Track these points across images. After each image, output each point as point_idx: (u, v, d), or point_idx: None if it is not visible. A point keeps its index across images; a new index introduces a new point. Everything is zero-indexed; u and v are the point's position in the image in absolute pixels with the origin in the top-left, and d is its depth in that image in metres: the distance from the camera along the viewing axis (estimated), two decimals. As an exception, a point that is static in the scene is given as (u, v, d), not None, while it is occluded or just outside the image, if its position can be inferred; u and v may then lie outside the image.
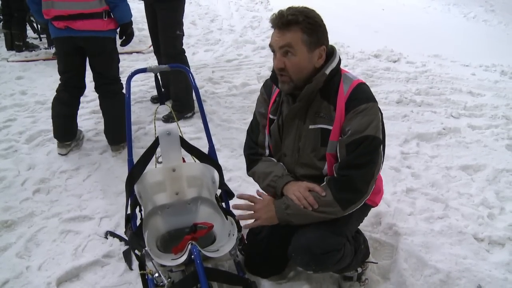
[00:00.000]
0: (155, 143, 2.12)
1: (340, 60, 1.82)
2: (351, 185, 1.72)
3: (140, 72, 2.39)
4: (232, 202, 2.10)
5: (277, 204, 1.81)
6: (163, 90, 3.94)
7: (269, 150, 2.04)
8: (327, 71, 1.74)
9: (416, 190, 2.93)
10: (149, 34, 4.09)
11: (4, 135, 3.67)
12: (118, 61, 3.39)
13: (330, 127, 1.77)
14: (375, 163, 1.72)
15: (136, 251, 1.98)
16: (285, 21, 1.65)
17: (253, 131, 2.06)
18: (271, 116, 1.97)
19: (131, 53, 5.95)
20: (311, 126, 1.81)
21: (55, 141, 3.41)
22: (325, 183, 1.77)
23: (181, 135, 2.18)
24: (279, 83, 1.79)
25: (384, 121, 3.79)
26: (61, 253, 2.41)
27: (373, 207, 2.05)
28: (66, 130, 3.38)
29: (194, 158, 2.25)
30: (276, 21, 1.67)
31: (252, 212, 1.87)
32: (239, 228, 1.98)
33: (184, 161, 2.24)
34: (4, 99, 4.39)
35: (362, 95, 1.74)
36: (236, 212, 2.08)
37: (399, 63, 5.84)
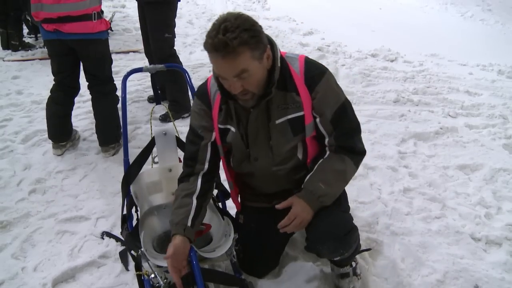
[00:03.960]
0: (151, 143, 2.11)
1: (277, 45, 1.73)
2: (357, 150, 1.82)
3: (136, 72, 2.38)
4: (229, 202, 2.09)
5: (308, 199, 1.77)
6: (159, 92, 3.95)
7: (209, 165, 1.88)
8: (279, 64, 1.68)
9: (413, 189, 2.93)
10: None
11: (0, 135, 3.65)
12: (111, 61, 3.37)
13: (301, 113, 1.74)
14: (357, 120, 1.83)
15: (132, 252, 1.97)
16: (231, 48, 1.45)
17: (192, 145, 1.89)
18: (221, 126, 1.84)
19: (127, 52, 5.93)
20: (277, 121, 1.76)
21: (51, 141, 3.39)
22: (334, 153, 1.81)
23: (177, 135, 2.17)
24: (240, 101, 1.69)
25: (381, 120, 3.94)
26: (57, 254, 2.40)
27: None
28: (60, 131, 3.37)
29: None
30: (221, 49, 1.46)
31: (295, 221, 1.76)
32: (235, 229, 1.96)
33: (180, 161, 2.22)
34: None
35: (315, 70, 1.74)
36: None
37: (396, 62, 5.84)
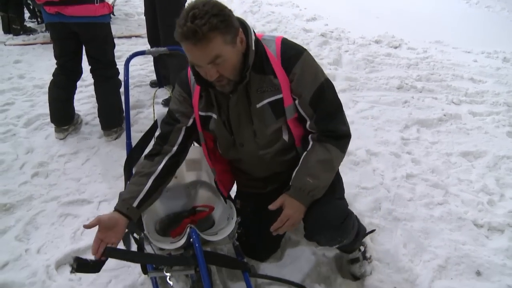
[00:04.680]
0: (154, 127, 2.10)
1: (251, 27, 1.69)
2: (340, 133, 1.74)
3: (138, 55, 2.36)
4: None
5: (299, 197, 1.71)
6: (163, 78, 3.93)
7: (178, 148, 1.85)
8: (253, 48, 1.63)
9: (416, 176, 2.92)
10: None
11: (2, 118, 3.65)
12: (113, 45, 3.35)
13: (279, 96, 1.70)
14: (339, 100, 1.76)
15: (135, 235, 1.97)
16: (201, 35, 1.42)
17: (166, 126, 1.87)
18: (202, 113, 1.82)
19: (130, 37, 5.90)
20: (258, 105, 1.72)
21: (54, 125, 3.39)
22: (317, 141, 1.74)
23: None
24: (218, 87, 1.65)
25: (385, 106, 3.92)
26: (59, 237, 2.41)
27: None
28: (63, 114, 3.36)
29: (194, 141, 2.23)
30: (191, 37, 1.42)
31: (288, 222, 1.72)
32: (238, 212, 1.96)
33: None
34: (1, 82, 4.36)
35: (292, 51, 1.69)
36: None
37: (400, 49, 5.79)
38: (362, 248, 2.12)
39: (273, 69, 1.67)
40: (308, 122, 1.75)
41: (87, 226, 1.68)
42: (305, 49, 1.72)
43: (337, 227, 1.76)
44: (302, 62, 1.67)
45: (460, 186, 2.84)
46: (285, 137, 1.82)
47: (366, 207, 2.56)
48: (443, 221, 2.50)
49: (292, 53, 1.68)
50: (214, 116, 1.80)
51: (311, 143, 1.76)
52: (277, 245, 2.20)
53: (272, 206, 1.73)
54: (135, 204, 1.74)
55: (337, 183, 1.92)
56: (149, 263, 1.83)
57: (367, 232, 2.13)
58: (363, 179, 2.82)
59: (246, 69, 1.61)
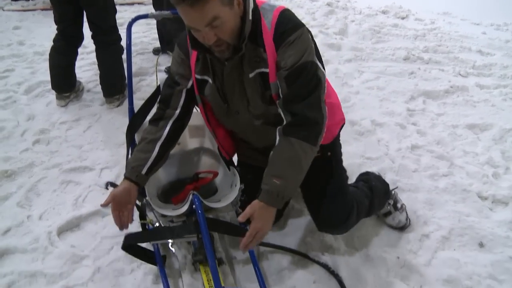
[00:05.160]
0: (157, 92, 2.05)
1: None
2: (306, 120, 1.59)
3: (141, 18, 2.30)
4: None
5: (268, 201, 1.58)
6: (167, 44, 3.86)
7: (181, 111, 1.83)
8: (250, 17, 1.56)
9: (421, 147, 2.89)
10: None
11: (3, 85, 3.62)
12: (115, 11, 3.27)
13: (266, 70, 1.62)
14: (318, 87, 1.60)
15: (137, 202, 1.96)
16: None
17: (167, 89, 1.84)
18: (198, 77, 1.77)
19: (132, 4, 5.80)
20: (250, 75, 1.65)
21: (55, 92, 3.35)
22: (282, 136, 1.62)
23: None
24: (216, 53, 1.60)
25: (391, 77, 3.86)
26: (61, 203, 2.41)
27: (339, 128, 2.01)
28: (64, 81, 3.32)
29: (197, 107, 2.19)
30: None
31: (258, 235, 1.62)
32: (245, 177, 1.93)
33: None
34: (1, 49, 4.30)
35: (287, 25, 1.58)
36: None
37: (407, 20, 5.68)
38: (391, 202, 2.19)
39: (264, 42, 1.59)
40: (280, 100, 1.64)
41: (104, 205, 1.71)
42: (303, 25, 1.61)
43: (340, 227, 1.90)
44: (294, 37, 1.56)
45: (466, 158, 2.81)
46: (277, 109, 1.71)
47: (370, 177, 2.53)
48: (448, 192, 2.48)
49: (288, 27, 1.58)
50: (210, 80, 1.75)
51: (277, 138, 1.64)
52: (280, 214, 2.18)
53: (240, 218, 1.61)
54: (143, 171, 1.75)
55: (333, 169, 1.93)
56: (161, 239, 1.81)
57: (391, 189, 2.24)
58: (367, 149, 2.79)
59: (242, 40, 1.55)
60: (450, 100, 3.58)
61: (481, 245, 2.14)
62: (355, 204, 1.92)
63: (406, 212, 2.24)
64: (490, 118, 3.29)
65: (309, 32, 1.65)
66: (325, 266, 1.95)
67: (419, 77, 3.95)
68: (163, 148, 1.79)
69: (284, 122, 1.64)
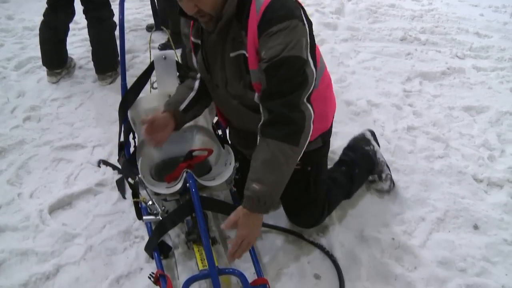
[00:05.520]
0: (150, 68, 2.01)
1: None
2: (283, 119, 1.46)
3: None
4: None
5: (251, 207, 1.49)
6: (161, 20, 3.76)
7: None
8: None
9: (417, 128, 2.87)
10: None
11: (-9, 61, 3.54)
12: None
13: (245, 53, 1.52)
14: (301, 85, 1.46)
15: (129, 179, 1.93)
16: None
17: (183, 54, 1.92)
18: (193, 40, 1.75)
19: (125, -20, 5.67)
20: (231, 54, 1.56)
21: (46, 68, 3.27)
22: (260, 136, 1.50)
23: (177, 60, 2.06)
24: (201, 23, 1.56)
25: (387, 58, 3.82)
26: (53, 181, 2.37)
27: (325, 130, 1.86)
28: (55, 57, 3.24)
29: None
30: None
31: (244, 244, 1.53)
32: (236, 157, 1.90)
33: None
34: (-11, 24, 4.20)
35: (274, 14, 1.43)
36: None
37: (404, 0, 5.60)
38: (375, 177, 2.27)
39: (248, 25, 1.48)
40: (256, 95, 1.56)
41: (144, 121, 1.73)
42: (295, 17, 1.44)
43: (310, 227, 2.00)
44: (279, 28, 1.42)
45: (461, 140, 2.79)
46: (253, 95, 1.61)
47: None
48: (443, 174, 2.47)
49: (276, 14, 1.43)
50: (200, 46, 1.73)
51: (258, 138, 1.53)
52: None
53: (224, 226, 1.56)
54: (181, 108, 1.81)
55: (314, 184, 1.88)
56: (167, 230, 1.76)
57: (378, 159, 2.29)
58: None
59: (223, 16, 1.49)
60: (446, 82, 3.55)
61: (475, 227, 2.14)
62: (326, 206, 1.97)
63: (391, 180, 2.29)
64: (486, 101, 3.27)
65: (306, 24, 1.49)
66: (320, 247, 1.94)
67: (415, 58, 3.91)
68: (198, 95, 1.86)
69: (262, 120, 1.52)
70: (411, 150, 2.65)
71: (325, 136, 1.86)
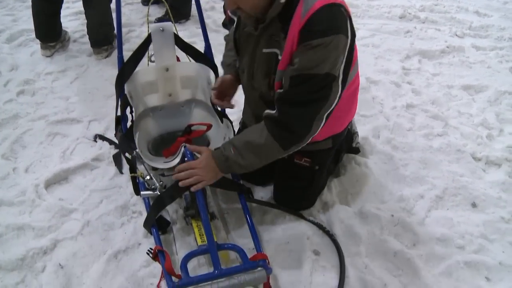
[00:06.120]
0: (148, 40, 1.95)
1: None
2: (288, 125, 1.51)
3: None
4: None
5: (217, 156, 1.61)
6: None
7: None
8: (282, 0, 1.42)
9: (416, 106, 2.86)
10: None
11: (-19, 33, 3.45)
12: None
13: (280, 56, 1.50)
14: (321, 101, 1.47)
15: (127, 154, 1.90)
16: None
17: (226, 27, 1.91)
18: (230, 14, 1.77)
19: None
20: (264, 50, 1.56)
21: (39, 41, 3.21)
22: (263, 120, 1.57)
23: (175, 32, 2.01)
24: (242, 18, 1.58)
25: (386, 35, 3.77)
26: (48, 156, 2.34)
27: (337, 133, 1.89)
28: (49, 30, 3.17)
29: (189, 57, 2.10)
30: None
31: (195, 176, 1.60)
32: (235, 132, 1.88)
33: (178, 60, 2.09)
34: (-24, -6, 4.09)
35: (320, 26, 1.37)
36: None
37: (404, -22, 5.53)
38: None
39: (289, 28, 1.43)
40: (278, 92, 1.55)
41: (214, 88, 1.85)
42: (339, 32, 1.38)
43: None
44: (319, 42, 1.36)
45: (460, 119, 2.78)
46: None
47: (365, 134, 2.51)
48: (442, 152, 2.46)
49: (319, 28, 1.37)
50: (234, 25, 1.72)
51: (265, 114, 1.58)
52: (273, 170, 2.14)
53: (190, 147, 1.69)
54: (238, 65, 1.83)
55: (318, 180, 1.98)
56: (166, 205, 1.74)
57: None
58: (362, 106, 2.74)
59: (269, 14, 1.46)
60: (445, 60, 3.52)
61: (473, 205, 2.14)
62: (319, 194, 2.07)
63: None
64: (485, 80, 3.25)
65: (349, 38, 1.43)
66: (319, 226, 1.93)
67: (415, 36, 3.87)
68: None
69: (270, 110, 1.55)
70: (410, 128, 2.64)
71: (336, 139, 1.90)
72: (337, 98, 1.49)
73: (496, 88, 3.11)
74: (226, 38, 1.95)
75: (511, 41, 3.92)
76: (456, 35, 4.00)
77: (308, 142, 1.56)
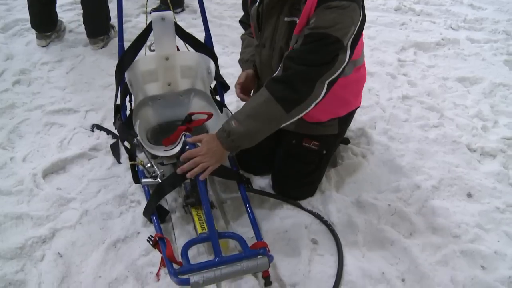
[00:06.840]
0: (148, 29, 1.95)
1: None
2: (290, 82, 1.51)
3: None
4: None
5: (219, 135, 1.59)
6: None
7: None
8: None
9: (412, 98, 2.88)
10: None
11: (-26, 22, 3.42)
12: None
13: (298, 21, 1.54)
14: (327, 65, 1.49)
15: (126, 143, 1.89)
16: None
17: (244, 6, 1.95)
18: None
19: None
20: (286, 19, 1.61)
21: (35, 31, 3.18)
22: (265, 85, 1.57)
23: (175, 21, 2.00)
24: None
25: (381, 27, 3.78)
26: (46, 146, 2.33)
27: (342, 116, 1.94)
28: (44, 19, 3.14)
29: (189, 47, 2.10)
30: None
31: (200, 163, 1.58)
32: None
33: (178, 49, 2.08)
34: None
35: None
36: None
37: (399, -30, 5.54)
38: None
39: None
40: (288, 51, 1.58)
41: (239, 83, 1.92)
42: (357, 3, 1.46)
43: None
44: (338, 4, 1.42)
45: (456, 111, 2.80)
46: None
47: (361, 125, 2.53)
48: (438, 143, 2.48)
49: None
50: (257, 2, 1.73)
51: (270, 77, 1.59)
52: (272, 160, 2.15)
53: (190, 140, 1.66)
54: None
55: (323, 165, 2.01)
56: (166, 193, 1.73)
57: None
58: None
59: None
60: (441, 53, 3.55)
61: (469, 195, 2.16)
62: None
63: None
64: (480, 72, 3.27)
65: (360, 15, 1.50)
66: (317, 216, 1.94)
67: (410, 28, 3.90)
68: None
69: (274, 73, 1.57)
70: (406, 119, 2.66)
71: (343, 124, 1.97)
72: (341, 69, 1.53)
73: (490, 80, 3.14)
74: (242, 37, 2.06)
75: (505, 34, 3.96)
76: (451, 27, 4.03)
77: (311, 108, 1.55)
